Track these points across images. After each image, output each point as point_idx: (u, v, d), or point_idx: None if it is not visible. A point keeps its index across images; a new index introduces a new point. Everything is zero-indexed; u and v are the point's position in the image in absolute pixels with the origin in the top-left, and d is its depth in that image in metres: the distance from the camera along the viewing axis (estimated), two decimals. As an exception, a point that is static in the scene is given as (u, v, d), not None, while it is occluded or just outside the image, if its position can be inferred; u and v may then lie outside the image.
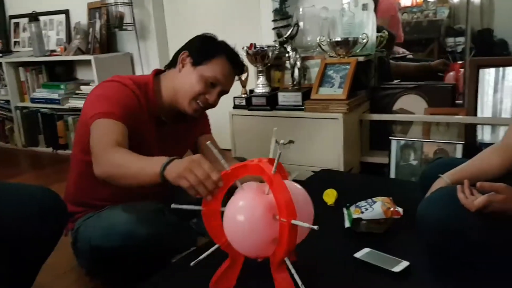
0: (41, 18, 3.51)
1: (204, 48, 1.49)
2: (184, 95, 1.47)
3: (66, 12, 3.57)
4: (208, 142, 1.12)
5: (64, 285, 1.53)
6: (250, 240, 0.99)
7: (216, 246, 1.08)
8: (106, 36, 3.31)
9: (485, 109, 2.10)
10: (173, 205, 1.07)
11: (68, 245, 1.50)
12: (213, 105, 1.52)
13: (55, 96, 3.46)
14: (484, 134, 2.13)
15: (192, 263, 1.05)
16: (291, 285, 0.99)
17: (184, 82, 1.47)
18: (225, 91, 1.54)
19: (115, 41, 3.43)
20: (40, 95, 3.56)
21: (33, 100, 3.60)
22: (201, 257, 1.06)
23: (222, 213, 1.06)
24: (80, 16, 3.46)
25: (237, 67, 1.54)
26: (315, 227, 0.93)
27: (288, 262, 0.98)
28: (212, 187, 1.03)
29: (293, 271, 0.97)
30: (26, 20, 3.60)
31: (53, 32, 3.65)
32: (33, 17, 3.40)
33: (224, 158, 1.07)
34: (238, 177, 1.05)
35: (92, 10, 3.38)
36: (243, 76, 2.39)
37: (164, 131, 1.54)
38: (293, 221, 0.93)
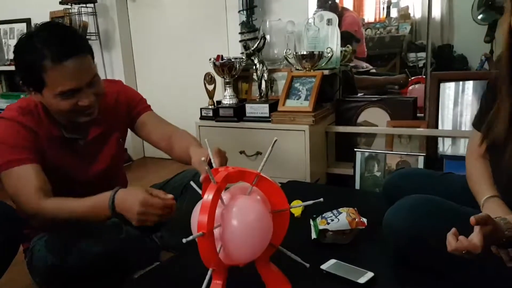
0: (1, 26, 3.42)
1: (28, 74, 1.23)
2: (63, 116, 1.29)
3: (27, 20, 3.47)
4: (202, 159, 1.00)
5: (20, 303, 1.46)
6: (257, 243, 1.00)
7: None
8: (69, 45, 3.23)
9: (445, 122, 2.17)
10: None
11: (24, 261, 1.43)
12: (93, 105, 1.27)
13: (14, 106, 3.34)
14: (445, 146, 2.20)
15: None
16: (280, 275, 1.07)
17: (49, 105, 1.27)
18: (92, 83, 1.25)
19: (78, 51, 3.35)
20: (-1, 106, 3.43)
21: (-9, 111, 3.48)
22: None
23: None
24: (42, 25, 3.37)
25: (74, 53, 1.18)
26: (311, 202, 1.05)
27: (282, 248, 1.05)
28: (170, 212, 1.16)
29: (289, 253, 1.05)
30: (-16, 28, 3.49)
31: (14, 41, 3.53)
32: (-8, 25, 3.30)
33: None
34: (222, 188, 0.98)
35: (55, 19, 3.30)
36: (210, 87, 2.39)
37: (79, 146, 1.39)
38: (292, 206, 1.04)
